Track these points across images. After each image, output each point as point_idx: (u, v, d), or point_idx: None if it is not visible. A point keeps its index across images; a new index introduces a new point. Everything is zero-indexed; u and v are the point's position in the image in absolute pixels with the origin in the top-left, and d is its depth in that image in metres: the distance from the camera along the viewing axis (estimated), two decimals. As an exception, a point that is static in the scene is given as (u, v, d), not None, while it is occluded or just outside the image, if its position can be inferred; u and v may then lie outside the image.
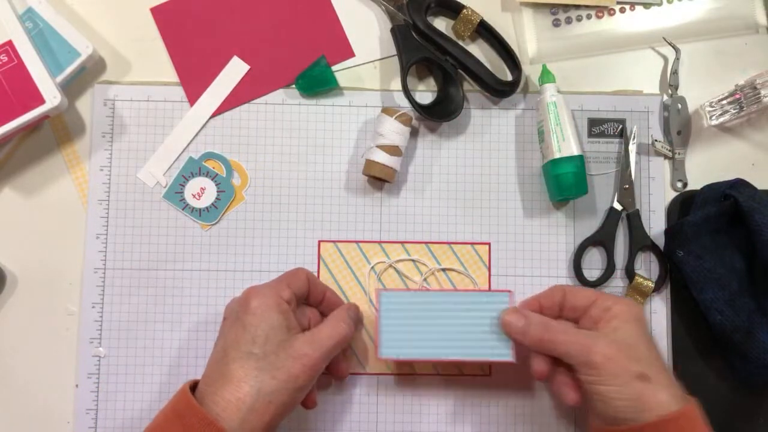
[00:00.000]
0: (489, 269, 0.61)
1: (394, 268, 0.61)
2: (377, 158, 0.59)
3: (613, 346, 0.48)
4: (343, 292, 0.61)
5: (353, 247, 0.61)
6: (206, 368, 0.52)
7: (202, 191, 0.61)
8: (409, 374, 0.60)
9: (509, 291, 0.55)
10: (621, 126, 0.63)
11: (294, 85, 0.63)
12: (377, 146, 0.59)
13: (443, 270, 0.61)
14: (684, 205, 0.61)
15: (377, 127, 0.60)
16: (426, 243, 0.61)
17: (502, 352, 0.54)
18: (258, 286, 0.53)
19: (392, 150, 0.59)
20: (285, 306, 0.52)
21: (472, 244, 0.61)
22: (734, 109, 0.61)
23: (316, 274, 0.61)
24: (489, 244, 0.61)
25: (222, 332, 0.53)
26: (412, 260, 0.61)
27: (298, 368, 0.49)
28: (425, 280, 0.61)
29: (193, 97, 0.62)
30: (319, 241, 0.61)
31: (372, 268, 0.61)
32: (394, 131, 0.59)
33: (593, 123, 0.63)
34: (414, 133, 0.62)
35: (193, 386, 0.51)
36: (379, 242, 0.61)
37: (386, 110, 0.60)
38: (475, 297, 0.55)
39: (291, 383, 0.49)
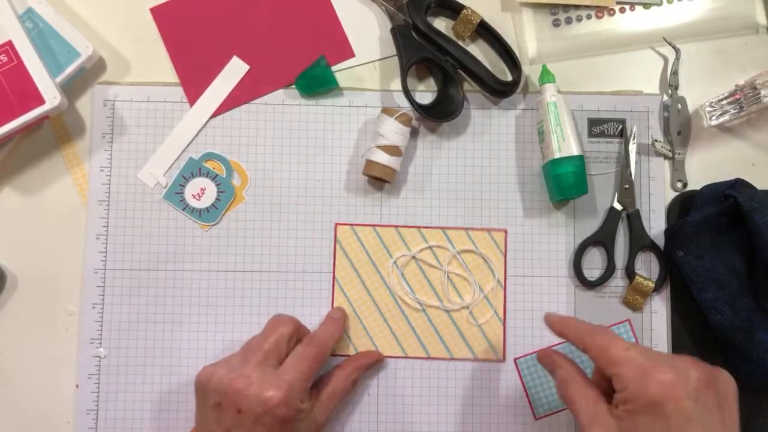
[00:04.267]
0: (505, 255, 0.61)
1: (416, 259, 0.61)
2: (377, 158, 0.59)
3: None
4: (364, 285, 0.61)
5: (369, 231, 0.61)
6: None
7: (202, 192, 0.61)
8: (402, 357, 0.61)
9: (628, 320, 0.60)
10: (621, 126, 0.63)
11: (294, 85, 0.63)
12: (377, 146, 0.59)
13: (459, 253, 0.61)
14: (684, 205, 0.61)
15: (377, 127, 0.60)
16: (443, 228, 0.62)
17: None
18: (274, 381, 0.50)
19: (392, 150, 0.59)
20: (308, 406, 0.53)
21: (489, 230, 0.62)
22: (734, 109, 0.61)
23: (332, 261, 0.61)
24: (506, 230, 0.62)
25: (235, 424, 0.50)
26: (430, 247, 0.61)
27: None
28: (447, 264, 0.61)
29: (193, 98, 0.62)
30: (336, 224, 0.62)
31: (394, 262, 0.61)
32: (394, 131, 0.59)
33: (593, 123, 0.63)
34: (414, 133, 0.62)
35: None
36: (396, 226, 0.62)
37: (386, 110, 0.60)
38: None
39: None
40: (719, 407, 0.42)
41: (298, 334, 0.55)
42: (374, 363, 0.59)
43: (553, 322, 0.52)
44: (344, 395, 0.56)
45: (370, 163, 0.59)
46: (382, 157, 0.59)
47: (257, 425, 0.49)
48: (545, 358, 0.53)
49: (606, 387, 0.47)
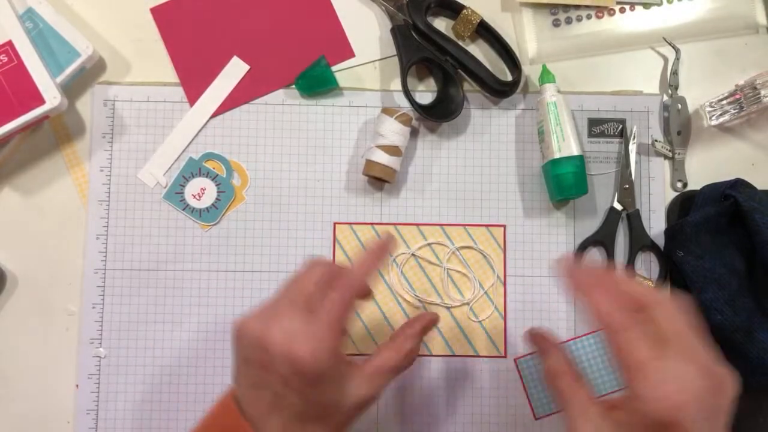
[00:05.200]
0: (504, 251, 0.62)
1: (415, 256, 0.62)
2: (377, 158, 0.59)
3: None
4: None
5: (368, 230, 0.61)
6: (240, 391, 0.45)
7: (202, 192, 0.61)
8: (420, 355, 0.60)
9: None
10: (621, 126, 0.63)
11: (294, 85, 0.63)
12: (377, 146, 0.59)
13: (458, 250, 0.61)
14: (684, 205, 0.61)
15: (377, 127, 0.60)
16: (442, 225, 0.62)
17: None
18: (301, 334, 0.43)
19: (392, 150, 0.59)
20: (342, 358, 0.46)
21: (488, 226, 0.62)
22: (734, 109, 0.61)
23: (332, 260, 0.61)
24: (504, 226, 0.62)
25: (262, 383, 0.44)
26: (429, 244, 0.61)
27: (354, 413, 0.46)
28: (447, 261, 0.61)
29: (193, 98, 0.62)
30: (335, 223, 0.61)
31: (394, 260, 0.61)
32: (394, 131, 0.59)
33: (593, 123, 0.63)
34: (414, 133, 0.62)
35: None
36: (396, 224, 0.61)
37: (386, 110, 0.60)
38: (590, 338, 0.60)
39: (348, 425, 0.47)
40: (720, 425, 0.41)
41: (334, 275, 0.47)
42: (430, 326, 0.52)
43: (577, 282, 0.45)
44: (397, 371, 0.48)
45: (370, 163, 0.59)
46: (382, 157, 0.59)
47: (287, 389, 0.43)
48: (536, 339, 0.50)
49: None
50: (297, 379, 0.42)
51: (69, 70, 0.59)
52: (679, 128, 0.62)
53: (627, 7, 0.64)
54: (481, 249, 0.62)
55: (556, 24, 0.64)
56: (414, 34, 0.61)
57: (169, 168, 0.62)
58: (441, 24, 0.64)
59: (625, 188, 0.61)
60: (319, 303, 0.45)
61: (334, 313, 0.44)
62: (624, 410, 0.41)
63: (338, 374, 0.45)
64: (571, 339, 0.60)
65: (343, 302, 0.45)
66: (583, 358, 0.60)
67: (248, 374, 0.45)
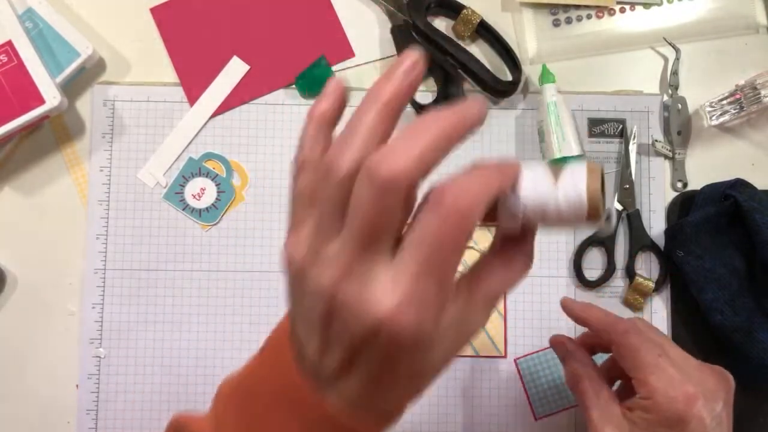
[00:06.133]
0: None
1: None
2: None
3: None
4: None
5: None
6: None
7: (202, 192, 0.61)
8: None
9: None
10: (621, 126, 0.63)
11: (294, 85, 0.63)
12: (377, 146, 0.59)
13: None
14: (684, 205, 0.61)
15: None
16: None
17: None
18: (381, 278, 0.27)
19: (392, 150, 0.59)
20: None
21: (487, 226, 0.61)
22: (734, 109, 0.61)
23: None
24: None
25: (325, 340, 0.29)
26: None
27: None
28: None
29: (193, 98, 0.62)
30: None
31: None
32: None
33: (593, 123, 0.63)
34: (414, 133, 0.62)
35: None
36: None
37: (386, 110, 0.60)
38: None
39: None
40: (728, 416, 0.44)
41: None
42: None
43: (573, 308, 0.50)
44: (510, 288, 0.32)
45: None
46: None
47: (367, 352, 0.28)
48: (558, 345, 0.50)
49: (615, 377, 0.48)
50: (385, 340, 0.28)
51: (69, 70, 0.59)
52: (679, 128, 0.62)
53: (627, 7, 0.64)
54: (481, 249, 0.62)
55: (556, 24, 0.64)
56: (414, 34, 0.61)
57: (169, 168, 0.62)
58: (441, 24, 0.64)
59: (625, 188, 0.61)
60: (406, 220, 0.29)
61: (431, 248, 0.27)
62: (640, 410, 0.43)
63: (444, 324, 0.31)
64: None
65: (442, 242, 0.28)
66: None
67: (313, 328, 0.29)
